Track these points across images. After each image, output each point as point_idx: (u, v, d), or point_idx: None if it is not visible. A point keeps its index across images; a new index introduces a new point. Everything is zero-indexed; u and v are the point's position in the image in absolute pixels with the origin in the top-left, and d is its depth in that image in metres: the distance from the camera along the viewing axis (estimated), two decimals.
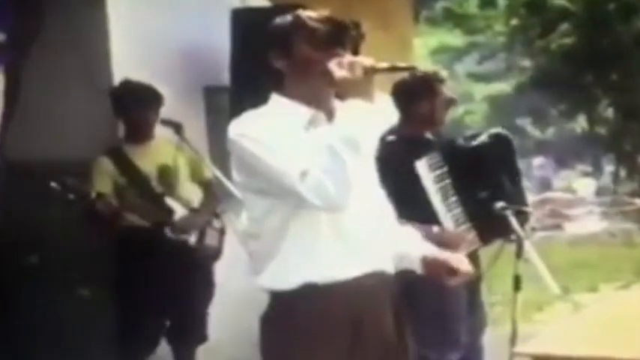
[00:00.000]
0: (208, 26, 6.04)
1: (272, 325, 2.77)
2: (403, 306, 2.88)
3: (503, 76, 25.32)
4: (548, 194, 18.95)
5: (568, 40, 19.77)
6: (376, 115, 2.71)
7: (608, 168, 24.70)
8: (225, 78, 5.94)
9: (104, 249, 4.90)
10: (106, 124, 5.12)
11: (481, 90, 27.81)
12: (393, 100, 4.55)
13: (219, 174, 4.75)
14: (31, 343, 4.92)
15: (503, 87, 25.20)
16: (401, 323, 2.85)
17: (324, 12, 2.79)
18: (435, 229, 4.28)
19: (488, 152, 4.53)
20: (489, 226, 4.36)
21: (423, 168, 4.33)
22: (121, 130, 5.07)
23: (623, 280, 9.52)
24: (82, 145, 4.94)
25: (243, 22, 5.81)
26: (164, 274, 4.73)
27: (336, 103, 2.77)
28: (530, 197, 14.56)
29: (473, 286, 4.54)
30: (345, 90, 2.68)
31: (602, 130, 21.91)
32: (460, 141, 4.59)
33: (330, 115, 2.74)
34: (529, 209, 4.60)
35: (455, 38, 28.01)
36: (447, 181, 4.38)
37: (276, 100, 2.78)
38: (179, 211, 4.89)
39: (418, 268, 2.96)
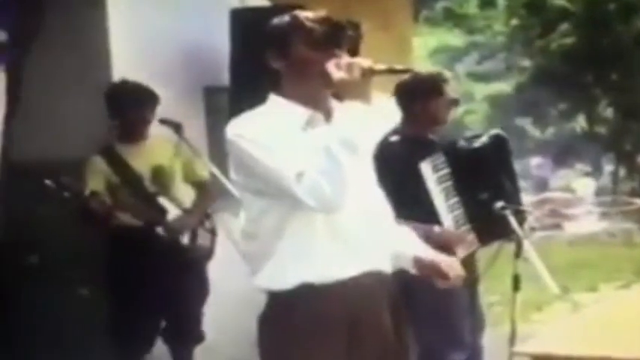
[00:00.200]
0: (208, 26, 6.04)
1: (270, 325, 2.78)
2: (401, 305, 2.88)
3: (503, 76, 25.29)
4: (548, 194, 18.95)
5: (568, 40, 19.75)
6: (374, 116, 2.72)
7: (608, 168, 24.70)
8: (224, 78, 5.95)
9: (99, 248, 4.90)
10: (105, 124, 5.12)
11: (481, 90, 27.79)
12: (396, 100, 4.56)
13: (218, 174, 4.75)
14: (31, 343, 4.92)
15: (503, 87, 25.17)
16: (399, 322, 2.86)
17: (322, 12, 2.79)
18: (436, 228, 4.29)
19: (489, 154, 4.55)
20: (489, 228, 4.37)
21: (427, 169, 4.34)
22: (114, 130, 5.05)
23: (622, 280, 9.52)
24: (82, 144, 4.95)
25: (243, 22, 5.81)
26: (157, 273, 4.73)
27: (334, 104, 2.77)
28: (528, 197, 14.59)
29: (472, 286, 4.55)
30: (342, 91, 2.70)
31: (601, 130, 21.90)
32: (461, 142, 4.60)
33: (327, 115, 2.74)
34: (528, 209, 4.60)
35: (455, 38, 28.01)
36: (450, 182, 4.39)
37: (274, 101, 2.79)
38: (172, 211, 4.89)
39: (411, 268, 2.96)
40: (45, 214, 4.69)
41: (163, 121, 4.96)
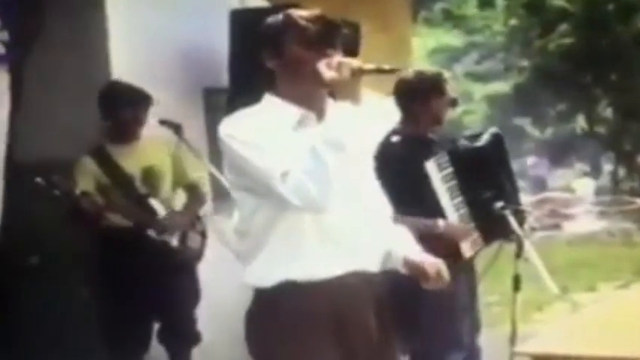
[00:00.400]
0: (207, 27, 6.05)
1: (256, 321, 2.81)
2: (387, 305, 2.89)
3: (502, 76, 25.32)
4: (548, 194, 18.96)
5: (567, 41, 19.75)
6: (365, 116, 2.72)
7: (607, 167, 24.71)
8: (224, 79, 5.95)
9: (91, 249, 4.90)
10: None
11: (480, 90, 27.81)
12: (396, 99, 4.56)
13: (218, 174, 4.75)
14: (31, 344, 4.92)
15: (502, 87, 25.19)
16: (385, 321, 2.87)
17: (316, 11, 2.79)
18: (441, 222, 4.32)
19: (490, 153, 4.56)
20: (491, 227, 4.38)
21: (433, 168, 4.35)
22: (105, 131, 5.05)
23: (622, 280, 9.53)
24: (81, 145, 4.94)
25: (242, 23, 5.81)
26: (147, 274, 4.73)
27: (329, 104, 2.78)
28: (527, 197, 14.60)
29: (472, 286, 4.56)
30: (333, 90, 2.71)
31: (601, 130, 21.90)
32: (462, 141, 4.61)
33: (321, 115, 2.75)
34: (528, 208, 4.61)
35: (453, 38, 28.03)
36: (453, 181, 4.40)
37: (268, 100, 2.80)
38: (162, 213, 4.89)
39: (401, 268, 2.97)
40: (45, 215, 4.69)
41: (163, 122, 4.96)
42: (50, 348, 4.90)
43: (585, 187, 21.32)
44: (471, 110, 27.24)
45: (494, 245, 4.55)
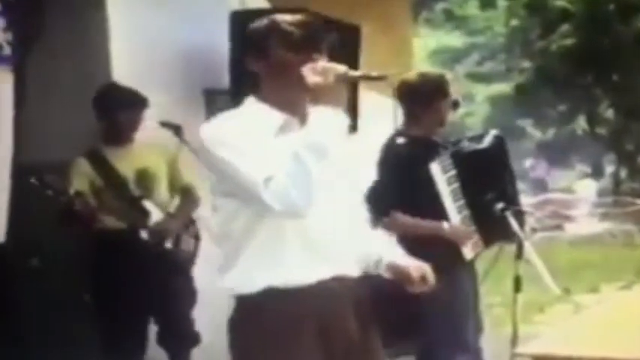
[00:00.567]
0: (208, 28, 6.03)
1: (239, 328, 2.77)
2: (367, 308, 2.89)
3: (503, 77, 25.34)
4: (549, 195, 18.98)
5: (568, 41, 19.76)
6: (345, 121, 2.70)
7: (609, 169, 24.71)
8: (224, 80, 5.93)
9: (86, 251, 4.89)
10: None
11: (481, 91, 27.83)
12: (400, 101, 4.56)
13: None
14: (33, 345, 4.92)
15: (503, 88, 25.21)
16: (365, 325, 2.86)
17: (301, 16, 2.79)
18: (446, 224, 4.34)
19: (494, 155, 4.56)
20: (492, 229, 4.39)
21: (437, 170, 4.35)
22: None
23: (624, 281, 9.53)
24: (82, 146, 4.94)
25: (243, 25, 5.78)
26: (141, 276, 4.73)
27: (311, 110, 2.76)
28: (527, 199, 14.59)
29: (474, 288, 4.55)
30: (317, 95, 2.69)
31: (602, 131, 21.91)
32: (465, 143, 4.61)
33: (303, 121, 2.74)
34: (528, 210, 4.62)
35: (454, 39, 28.06)
36: (457, 183, 4.40)
37: (251, 103, 2.79)
38: (156, 215, 4.89)
39: (385, 273, 2.97)
40: (46, 217, 4.68)
41: (164, 124, 4.96)
42: (51, 349, 4.90)
43: (587, 188, 21.33)
44: (472, 112, 27.27)
45: (496, 247, 4.55)
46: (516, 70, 23.22)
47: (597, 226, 15.27)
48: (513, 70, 23.58)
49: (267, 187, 2.54)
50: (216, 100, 6.27)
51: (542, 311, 7.98)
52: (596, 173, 26.15)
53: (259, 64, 2.75)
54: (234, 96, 5.84)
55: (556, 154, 27.79)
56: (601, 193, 20.30)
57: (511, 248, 4.21)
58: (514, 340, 4.04)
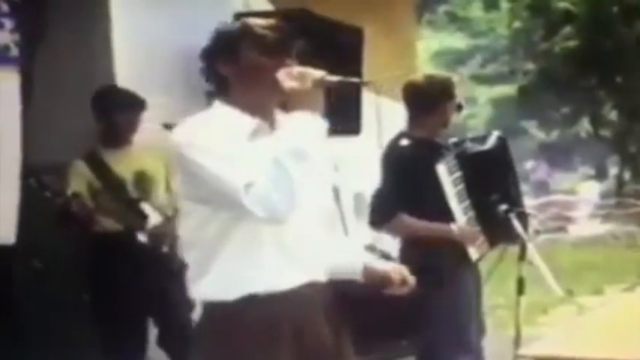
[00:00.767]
0: (210, 30, 6.03)
1: (212, 337, 2.71)
2: (337, 313, 2.89)
3: (506, 79, 25.34)
4: (552, 197, 18.95)
5: (571, 43, 19.76)
6: (323, 126, 2.67)
7: (613, 170, 24.69)
8: None
9: (84, 253, 4.89)
10: None
11: (484, 93, 27.83)
12: (405, 103, 4.57)
13: None
14: (35, 346, 4.93)
15: (506, 90, 25.21)
16: (336, 330, 2.85)
17: (273, 20, 2.78)
18: (455, 227, 4.36)
19: (498, 156, 4.57)
20: (496, 230, 4.40)
21: (443, 172, 4.36)
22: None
23: (627, 282, 9.51)
24: (85, 147, 4.95)
25: None
26: (138, 278, 4.73)
27: (280, 115, 2.75)
28: (529, 201, 14.58)
29: (477, 289, 4.56)
30: (293, 101, 2.65)
31: (606, 133, 21.90)
32: (468, 144, 4.62)
33: (272, 125, 2.72)
34: (532, 212, 4.63)
35: (457, 41, 28.05)
36: (462, 185, 4.41)
37: (220, 108, 2.76)
38: (154, 218, 4.89)
39: (359, 277, 2.97)
40: (46, 218, 4.68)
41: (167, 126, 4.96)
42: (53, 350, 4.90)
43: (590, 190, 21.30)
44: (475, 113, 27.27)
45: (499, 248, 4.56)
46: (519, 71, 23.21)
47: (600, 228, 15.25)
48: (516, 72, 23.56)
49: (248, 193, 2.49)
50: None
51: (546, 313, 7.98)
52: (600, 175, 26.14)
53: (229, 68, 2.73)
54: None
55: (558, 155, 27.79)
56: (604, 195, 20.27)
57: (514, 250, 4.22)
58: (517, 341, 4.04)
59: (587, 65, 19.41)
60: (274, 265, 2.67)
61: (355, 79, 2.78)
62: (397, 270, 2.95)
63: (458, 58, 27.71)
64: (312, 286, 2.76)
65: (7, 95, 4.45)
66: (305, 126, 2.62)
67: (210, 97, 6.38)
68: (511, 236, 4.23)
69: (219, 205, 2.61)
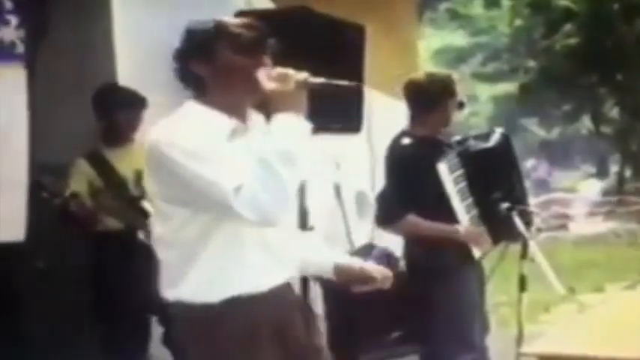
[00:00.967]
0: None
1: (194, 339, 2.67)
2: (309, 308, 2.90)
3: (507, 76, 25.32)
4: (553, 195, 18.96)
5: (572, 41, 19.75)
6: (307, 127, 2.61)
7: (614, 168, 24.68)
8: None
9: (87, 252, 4.90)
10: None
11: (485, 91, 27.81)
12: (407, 101, 4.57)
13: None
14: (37, 346, 4.93)
15: (507, 88, 25.20)
16: (311, 326, 2.88)
17: (247, 19, 2.78)
18: (460, 227, 4.36)
19: (501, 154, 4.57)
20: (498, 228, 4.40)
21: (445, 170, 4.36)
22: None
23: (628, 280, 9.49)
24: (86, 147, 4.95)
25: None
26: (140, 277, 4.72)
27: (255, 115, 2.74)
28: (530, 199, 14.55)
29: (480, 287, 4.56)
30: (276, 102, 2.61)
31: (607, 130, 21.89)
32: (471, 142, 4.61)
33: (247, 126, 2.70)
34: (534, 210, 4.63)
35: (458, 39, 28.03)
36: (464, 183, 4.41)
37: (194, 107, 2.72)
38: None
39: (331, 276, 2.96)
40: (48, 218, 4.68)
41: None
42: (55, 351, 4.91)
43: (591, 188, 21.31)
44: (477, 111, 27.26)
45: (501, 246, 4.56)
46: (520, 69, 23.20)
47: (601, 226, 15.27)
48: (517, 70, 23.56)
49: (238, 196, 2.45)
50: None
51: (548, 310, 7.98)
52: (601, 173, 26.12)
53: (204, 68, 2.70)
54: None
55: (559, 154, 27.78)
56: (605, 193, 20.27)
57: (516, 247, 4.22)
58: (519, 339, 4.05)
59: (587, 63, 19.41)
60: (257, 264, 2.65)
61: (341, 82, 2.76)
62: (378, 268, 2.95)
63: (459, 56, 27.68)
64: (289, 284, 2.78)
65: (14, 91, 4.45)
66: (290, 127, 2.57)
67: None
68: (513, 234, 4.24)
69: (202, 208, 2.56)
